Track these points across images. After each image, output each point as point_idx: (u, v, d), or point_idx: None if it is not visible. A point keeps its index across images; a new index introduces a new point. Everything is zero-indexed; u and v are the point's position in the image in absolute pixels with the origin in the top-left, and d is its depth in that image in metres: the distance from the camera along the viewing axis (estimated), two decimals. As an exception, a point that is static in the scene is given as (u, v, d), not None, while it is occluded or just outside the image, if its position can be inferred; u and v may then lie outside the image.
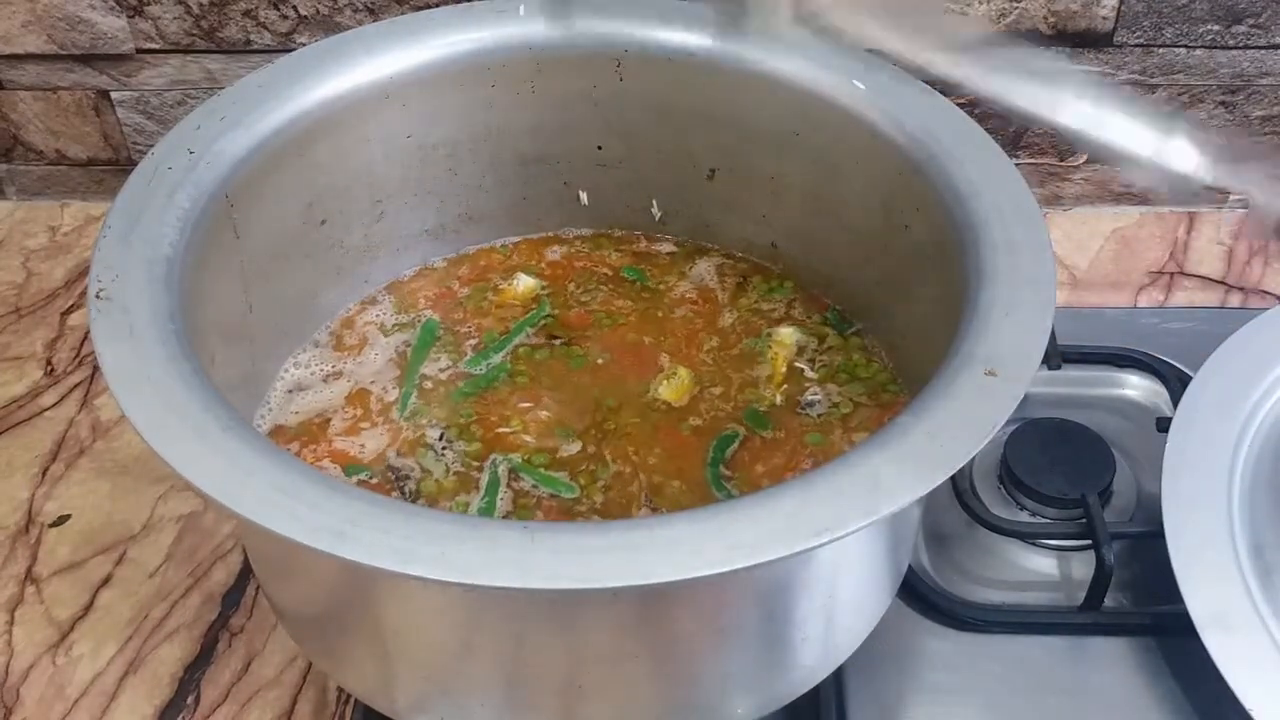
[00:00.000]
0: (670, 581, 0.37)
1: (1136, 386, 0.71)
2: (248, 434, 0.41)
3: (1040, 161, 0.83)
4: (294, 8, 0.77)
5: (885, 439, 0.41)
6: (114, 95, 0.82)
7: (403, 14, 0.66)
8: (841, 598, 0.48)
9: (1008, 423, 0.42)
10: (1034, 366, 0.43)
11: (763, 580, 0.43)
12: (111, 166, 0.86)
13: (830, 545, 0.38)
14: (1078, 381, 0.70)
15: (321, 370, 0.58)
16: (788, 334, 0.60)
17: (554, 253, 0.65)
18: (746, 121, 0.59)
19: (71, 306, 0.79)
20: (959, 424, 0.41)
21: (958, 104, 0.54)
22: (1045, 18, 0.76)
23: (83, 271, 0.81)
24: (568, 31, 0.58)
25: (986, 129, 0.53)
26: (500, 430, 0.56)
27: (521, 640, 0.44)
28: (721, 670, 0.46)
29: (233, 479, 0.39)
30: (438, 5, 0.68)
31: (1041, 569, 0.63)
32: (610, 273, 0.63)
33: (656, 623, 0.44)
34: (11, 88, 0.82)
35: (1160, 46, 0.78)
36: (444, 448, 0.55)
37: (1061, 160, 0.83)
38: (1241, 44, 0.77)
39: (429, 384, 0.58)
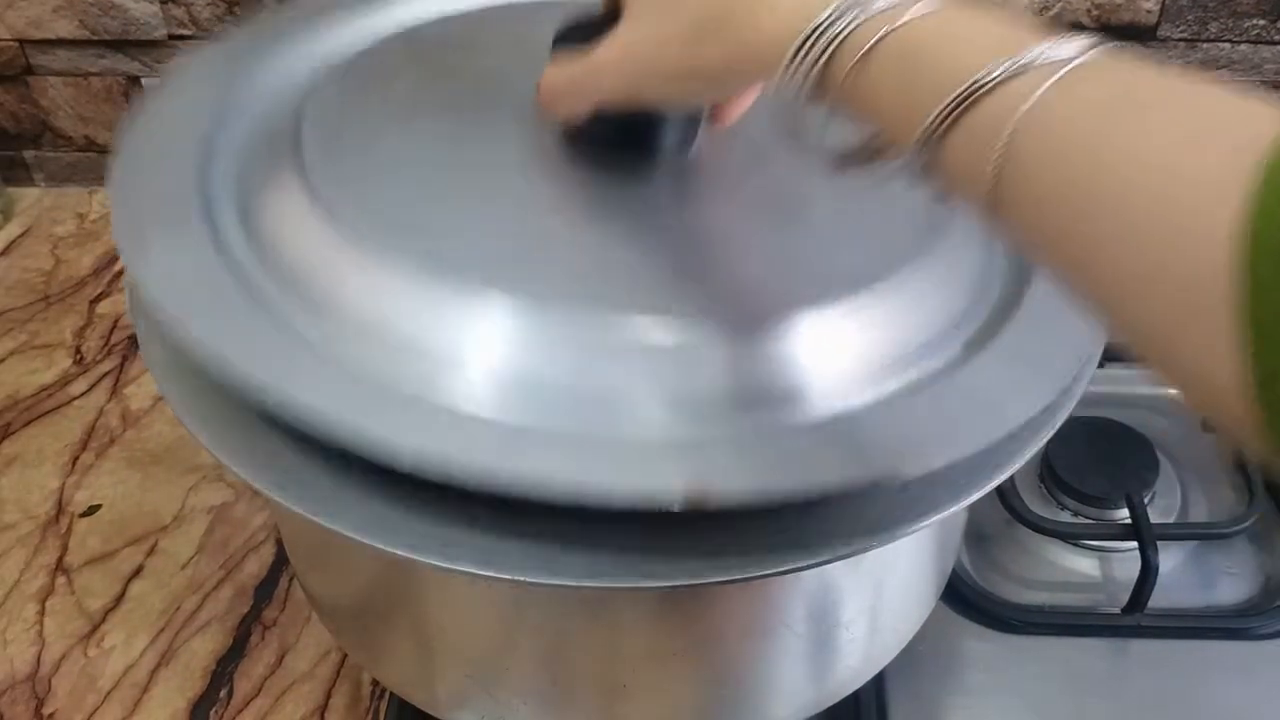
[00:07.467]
0: (717, 582, 0.36)
1: (1180, 385, 0.70)
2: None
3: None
4: (327, -5, 0.76)
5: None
6: (145, 81, 0.82)
7: None
8: (889, 599, 0.47)
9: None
10: (1090, 368, 0.42)
11: (812, 581, 0.43)
12: (141, 154, 0.85)
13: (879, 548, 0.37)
14: (1121, 380, 0.69)
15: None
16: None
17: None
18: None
19: (100, 294, 0.78)
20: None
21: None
22: (1089, 10, 0.75)
23: (112, 258, 0.81)
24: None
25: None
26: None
27: (565, 637, 0.43)
28: (767, 672, 0.45)
29: (273, 466, 0.38)
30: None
31: (1084, 570, 0.62)
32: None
33: (704, 623, 0.43)
34: (42, 73, 0.82)
35: (1205, 41, 0.76)
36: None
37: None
38: (1288, 38, 0.76)
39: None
